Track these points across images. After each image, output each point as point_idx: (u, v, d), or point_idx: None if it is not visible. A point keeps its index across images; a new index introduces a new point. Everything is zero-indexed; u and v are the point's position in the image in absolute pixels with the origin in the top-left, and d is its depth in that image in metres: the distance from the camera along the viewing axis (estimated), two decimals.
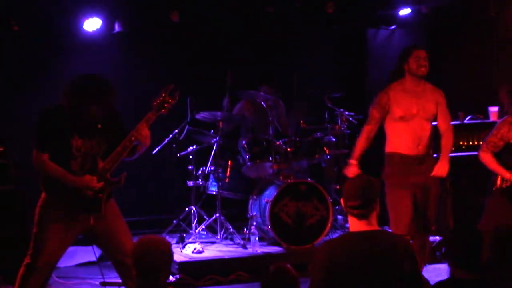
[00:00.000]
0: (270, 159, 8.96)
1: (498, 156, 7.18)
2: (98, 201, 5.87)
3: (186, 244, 8.67)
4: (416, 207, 7.17)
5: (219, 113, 9.15)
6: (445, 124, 7.39)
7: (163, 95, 5.97)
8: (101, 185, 5.84)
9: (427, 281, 4.98)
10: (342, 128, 9.49)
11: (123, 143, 5.87)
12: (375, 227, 4.49)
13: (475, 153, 8.92)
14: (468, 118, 9.38)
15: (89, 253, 8.81)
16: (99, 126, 5.87)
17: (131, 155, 6.04)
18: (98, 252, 8.75)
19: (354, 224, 4.51)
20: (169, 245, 4.59)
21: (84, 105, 5.75)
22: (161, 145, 9.32)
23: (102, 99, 5.79)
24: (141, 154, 6.11)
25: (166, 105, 5.97)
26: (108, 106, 5.84)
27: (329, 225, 8.71)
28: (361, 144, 7.37)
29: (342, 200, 4.59)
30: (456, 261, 4.36)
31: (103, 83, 5.84)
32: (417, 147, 7.18)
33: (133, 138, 5.87)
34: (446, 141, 7.39)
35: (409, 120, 7.17)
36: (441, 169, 7.28)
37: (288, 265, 4.42)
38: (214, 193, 9.14)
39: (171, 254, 4.60)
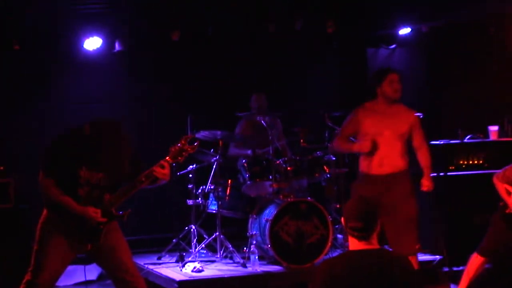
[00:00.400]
0: (270, 178, 8.96)
1: None
2: (98, 231, 5.87)
3: (185, 263, 8.65)
4: (387, 228, 7.17)
5: (219, 132, 9.15)
6: (418, 141, 7.45)
7: (182, 142, 5.94)
8: (105, 220, 5.84)
9: None
10: None
11: (133, 183, 5.88)
12: (375, 246, 4.49)
13: (475, 172, 8.97)
14: (468, 137, 9.38)
15: (89, 272, 8.79)
16: (109, 160, 5.87)
17: (152, 184, 6.03)
18: (97, 271, 8.80)
19: (354, 244, 4.51)
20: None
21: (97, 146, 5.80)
22: None
23: (115, 145, 5.84)
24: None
25: (184, 153, 5.93)
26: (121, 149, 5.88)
27: (329, 244, 8.68)
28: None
29: (342, 219, 4.58)
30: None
31: (116, 130, 5.88)
32: (380, 167, 7.22)
33: (143, 179, 5.87)
34: (421, 157, 7.46)
35: (377, 139, 7.20)
36: (422, 186, 7.36)
37: None
38: (214, 211, 9.13)
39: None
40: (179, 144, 5.93)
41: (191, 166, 9.36)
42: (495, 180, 7.23)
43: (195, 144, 5.97)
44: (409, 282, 4.41)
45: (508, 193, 7.13)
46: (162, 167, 5.86)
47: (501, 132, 9.46)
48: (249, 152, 9.37)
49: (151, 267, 8.76)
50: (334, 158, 9.36)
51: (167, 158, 5.91)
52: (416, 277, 4.55)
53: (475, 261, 7.27)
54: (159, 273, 8.52)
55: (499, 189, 7.18)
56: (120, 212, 5.92)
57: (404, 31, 10.65)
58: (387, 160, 7.24)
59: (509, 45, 10.26)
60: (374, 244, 4.49)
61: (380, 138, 7.23)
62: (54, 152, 5.86)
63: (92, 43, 9.46)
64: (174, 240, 9.27)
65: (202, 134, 9.13)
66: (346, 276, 4.33)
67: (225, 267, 8.69)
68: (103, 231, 5.87)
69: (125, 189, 5.93)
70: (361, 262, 4.39)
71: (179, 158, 5.93)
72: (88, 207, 5.78)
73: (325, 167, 9.24)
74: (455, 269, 8.68)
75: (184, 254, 8.97)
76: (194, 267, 8.44)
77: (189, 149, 5.94)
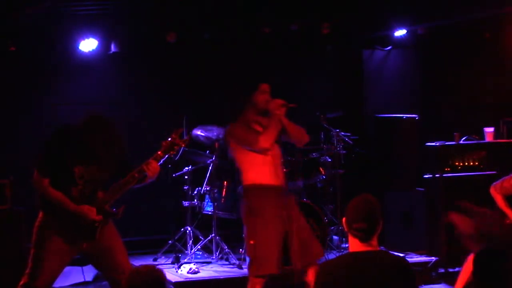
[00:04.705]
0: None
1: None
2: (93, 229, 5.87)
3: (181, 265, 8.67)
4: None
5: (215, 133, 9.15)
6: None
7: (173, 136, 5.99)
8: (100, 218, 5.84)
9: None
10: (338, 149, 9.49)
11: (126, 178, 5.89)
12: (375, 248, 4.47)
13: (470, 173, 8.96)
14: (463, 138, 9.40)
15: (85, 273, 8.79)
16: (102, 154, 5.86)
17: (140, 182, 6.06)
18: (93, 272, 8.79)
19: (354, 245, 4.47)
20: (163, 275, 4.46)
21: (90, 141, 5.78)
22: None
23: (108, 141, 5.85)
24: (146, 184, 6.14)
25: (175, 147, 6.00)
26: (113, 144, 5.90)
27: (325, 245, 8.68)
28: None
29: (344, 220, 4.50)
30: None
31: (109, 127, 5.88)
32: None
33: (136, 175, 5.90)
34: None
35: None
36: None
37: None
38: (210, 213, 9.13)
39: (165, 282, 4.49)
40: (170, 138, 5.99)
41: (186, 168, 9.36)
42: (492, 191, 7.24)
43: (187, 138, 6.03)
44: (409, 284, 4.41)
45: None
46: (152, 162, 5.92)
47: (496, 134, 9.47)
48: None
49: None
50: (329, 160, 9.37)
51: (159, 152, 5.97)
52: (415, 278, 4.54)
53: (472, 263, 7.20)
54: None
55: (496, 200, 7.20)
56: (114, 209, 5.93)
57: (400, 33, 10.65)
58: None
59: (504, 46, 10.29)
60: (374, 246, 4.46)
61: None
62: (48, 150, 5.86)
63: (88, 44, 9.43)
64: (169, 242, 9.27)
65: (199, 131, 9.14)
66: (345, 278, 4.31)
67: (221, 269, 8.71)
68: (98, 229, 5.87)
69: (119, 185, 5.93)
70: (361, 265, 4.37)
71: (171, 152, 6.01)
72: (83, 205, 5.79)
73: (320, 169, 9.25)
74: (450, 270, 8.70)
75: (180, 255, 8.99)
76: (190, 269, 8.46)
77: (180, 142, 6.01)
